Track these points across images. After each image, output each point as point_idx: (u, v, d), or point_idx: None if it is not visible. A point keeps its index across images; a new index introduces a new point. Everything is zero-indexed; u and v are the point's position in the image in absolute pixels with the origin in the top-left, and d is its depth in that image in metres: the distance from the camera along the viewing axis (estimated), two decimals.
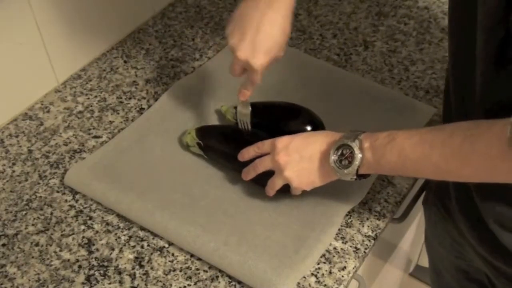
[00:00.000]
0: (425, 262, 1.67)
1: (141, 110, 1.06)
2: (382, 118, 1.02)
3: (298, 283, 0.82)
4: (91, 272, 0.84)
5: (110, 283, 0.83)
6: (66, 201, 0.93)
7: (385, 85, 1.10)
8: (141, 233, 0.88)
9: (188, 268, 0.84)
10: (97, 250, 0.87)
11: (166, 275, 0.84)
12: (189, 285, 0.82)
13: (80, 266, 0.85)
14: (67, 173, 0.94)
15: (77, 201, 0.92)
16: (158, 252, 0.86)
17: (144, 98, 1.08)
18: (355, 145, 0.76)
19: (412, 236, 1.46)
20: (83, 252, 0.86)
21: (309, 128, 0.93)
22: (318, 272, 0.83)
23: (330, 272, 0.83)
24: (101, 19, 1.13)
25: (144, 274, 0.84)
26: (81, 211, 0.91)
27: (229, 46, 0.86)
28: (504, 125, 0.62)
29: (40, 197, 0.93)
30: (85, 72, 1.13)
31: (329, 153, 0.79)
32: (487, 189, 0.75)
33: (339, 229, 0.88)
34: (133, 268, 0.84)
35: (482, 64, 0.70)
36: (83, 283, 0.83)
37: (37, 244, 0.87)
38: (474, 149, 0.66)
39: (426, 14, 1.25)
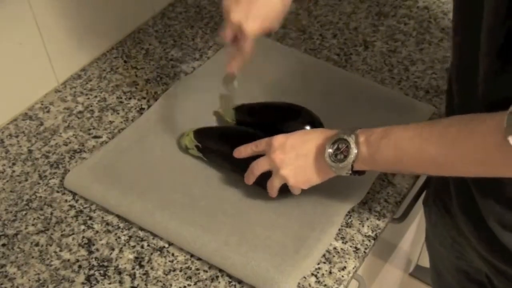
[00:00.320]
0: (425, 262, 1.67)
1: (141, 110, 1.06)
2: (382, 118, 1.02)
3: (298, 283, 0.82)
4: (91, 272, 0.84)
5: (110, 283, 0.83)
6: (66, 201, 0.93)
7: (385, 85, 1.10)
8: (141, 233, 0.88)
9: (188, 268, 0.84)
10: (97, 250, 0.87)
11: (166, 275, 0.84)
12: (189, 285, 0.82)
13: (80, 266, 0.85)
14: (66, 176, 0.94)
15: (77, 201, 0.92)
16: (158, 252, 0.86)
17: (144, 98, 1.08)
18: (351, 139, 0.76)
19: (412, 236, 1.46)
20: (83, 252, 0.86)
21: (308, 127, 0.93)
22: (318, 272, 0.83)
23: (330, 272, 0.83)
24: (101, 19, 1.13)
25: (144, 274, 0.84)
26: (81, 211, 0.91)
27: (223, 7, 0.83)
28: (501, 116, 0.61)
29: (40, 197, 0.93)
30: (85, 72, 1.13)
31: (324, 148, 0.78)
32: (488, 189, 0.75)
33: (339, 229, 0.88)
34: (133, 268, 0.84)
35: (486, 62, 0.70)
36: (83, 283, 0.83)
37: (37, 244, 0.87)
38: (471, 141, 0.66)
39: (426, 14, 1.25)
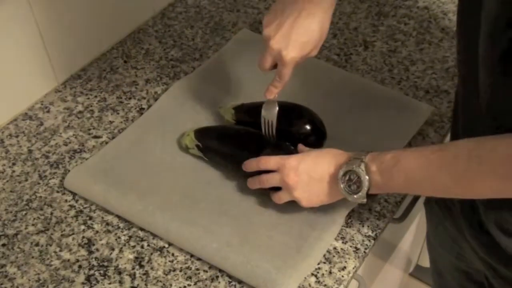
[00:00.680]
0: (425, 262, 1.67)
1: (141, 110, 1.06)
2: (382, 118, 1.02)
3: (299, 283, 0.82)
4: (91, 272, 0.84)
5: (110, 283, 0.83)
6: (66, 201, 0.93)
7: (385, 85, 1.10)
8: (141, 233, 0.88)
9: (188, 268, 0.84)
10: (97, 250, 0.87)
11: (166, 275, 0.84)
12: (189, 285, 0.82)
13: (80, 266, 0.85)
14: (66, 177, 0.94)
15: (77, 201, 0.92)
16: (158, 252, 0.86)
17: (144, 98, 1.08)
18: (361, 171, 0.77)
19: (412, 236, 1.46)
20: (83, 252, 0.86)
21: (308, 127, 0.93)
22: (318, 272, 0.83)
23: (330, 272, 0.83)
24: (101, 19, 1.13)
25: (144, 274, 0.84)
26: (81, 211, 0.91)
27: (263, 35, 0.84)
28: (509, 143, 0.62)
29: (40, 197, 0.93)
30: (85, 72, 1.13)
31: (337, 176, 0.80)
32: None
33: (339, 229, 0.88)
34: (133, 268, 0.84)
35: (486, 73, 0.70)
36: (83, 283, 0.83)
37: (37, 244, 0.87)
38: (480, 170, 0.67)
39: (426, 14, 1.25)
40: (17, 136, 1.02)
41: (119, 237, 0.88)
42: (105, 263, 0.85)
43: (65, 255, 0.86)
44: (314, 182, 0.82)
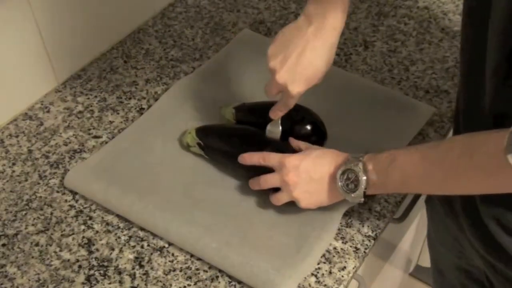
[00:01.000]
0: (425, 262, 1.67)
1: (141, 110, 1.06)
2: (382, 117, 1.02)
3: (298, 283, 0.82)
4: (91, 272, 0.84)
5: (110, 283, 0.83)
6: (66, 201, 0.93)
7: (385, 85, 1.10)
8: (141, 233, 0.88)
9: (188, 268, 0.84)
10: (97, 250, 0.87)
11: (166, 275, 0.84)
12: (189, 285, 0.82)
13: (80, 266, 0.85)
14: (66, 176, 0.94)
15: (77, 201, 0.92)
16: (158, 252, 0.86)
17: (144, 98, 1.08)
18: (358, 169, 0.78)
19: (412, 236, 1.46)
20: (83, 252, 0.86)
21: (309, 127, 0.93)
22: (318, 272, 0.83)
23: (330, 272, 0.83)
24: (101, 19, 1.13)
25: (144, 274, 0.84)
26: (81, 211, 0.91)
27: (268, 67, 0.84)
28: (501, 135, 0.62)
29: (40, 197, 0.93)
30: (85, 72, 1.13)
31: (335, 176, 0.81)
32: None
33: (339, 229, 0.88)
34: (133, 268, 0.84)
35: (491, 74, 0.70)
36: (83, 283, 0.83)
37: (37, 244, 0.87)
38: (473, 163, 0.67)
39: (426, 14, 1.25)
40: (17, 136, 1.02)
41: (119, 237, 0.88)
42: (105, 263, 0.85)
43: (65, 255, 0.86)
44: (314, 182, 0.82)
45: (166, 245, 0.87)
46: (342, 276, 0.83)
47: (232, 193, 0.91)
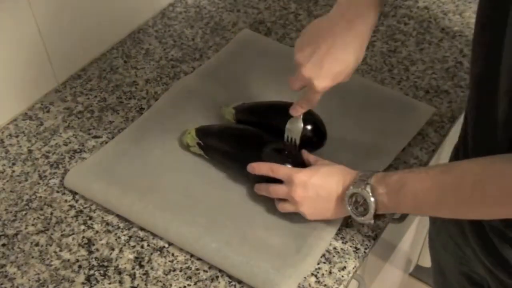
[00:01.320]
0: (425, 262, 1.67)
1: (141, 110, 1.06)
2: (382, 118, 1.02)
3: (298, 283, 0.82)
4: (91, 272, 0.84)
5: (110, 283, 0.83)
6: (66, 201, 0.93)
7: (385, 85, 1.10)
8: (141, 233, 0.88)
9: (188, 268, 0.84)
10: (97, 250, 0.87)
11: (166, 275, 0.84)
12: (189, 285, 0.82)
13: (80, 266, 0.85)
14: (66, 175, 0.94)
15: (77, 201, 0.92)
16: (158, 252, 0.86)
17: (144, 98, 1.08)
18: (366, 193, 0.77)
19: (412, 236, 1.46)
20: (83, 252, 0.86)
21: (309, 127, 0.93)
22: (318, 272, 0.83)
23: (330, 272, 0.83)
24: (101, 19, 1.13)
25: (144, 274, 0.84)
26: (81, 211, 0.91)
27: (295, 60, 0.82)
28: None
29: (40, 197, 0.93)
30: (85, 72, 1.13)
31: (344, 197, 0.79)
32: None
33: (339, 229, 0.88)
34: (133, 268, 0.84)
35: (508, 81, 0.68)
36: (83, 283, 0.83)
37: (37, 244, 0.87)
38: (487, 194, 0.66)
39: (426, 14, 1.25)
40: (17, 136, 1.02)
41: (119, 237, 0.88)
42: (105, 263, 0.85)
43: (65, 255, 0.86)
44: (321, 199, 0.82)
45: (166, 245, 0.87)
46: (342, 276, 0.83)
47: (232, 193, 0.91)
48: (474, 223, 0.82)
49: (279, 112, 0.98)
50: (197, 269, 0.84)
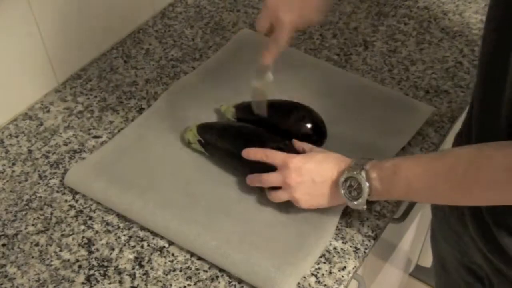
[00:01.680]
0: (425, 262, 1.67)
1: (141, 110, 1.06)
2: (382, 117, 1.02)
3: (298, 283, 0.82)
4: (91, 272, 0.84)
5: (110, 283, 0.83)
6: (66, 201, 0.93)
7: (385, 85, 1.10)
8: (141, 233, 0.88)
9: (188, 268, 0.84)
10: (97, 250, 0.87)
11: (166, 275, 0.84)
12: (189, 285, 0.82)
13: (80, 266, 0.85)
14: (67, 174, 0.94)
15: (77, 201, 0.92)
16: (158, 252, 0.86)
17: (144, 98, 1.08)
18: (361, 178, 0.78)
19: (412, 236, 1.46)
20: (83, 252, 0.86)
21: (309, 125, 0.93)
22: (318, 272, 0.83)
23: (330, 272, 0.83)
24: (101, 19, 1.13)
25: (144, 274, 0.84)
26: (81, 211, 0.91)
27: None
28: (507, 153, 0.61)
29: (40, 197, 0.93)
30: (85, 72, 1.13)
31: (338, 182, 0.80)
32: None
33: (339, 229, 0.88)
34: (133, 268, 0.84)
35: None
36: (83, 283, 0.83)
37: (37, 244, 0.87)
38: (479, 178, 0.67)
39: (426, 14, 1.25)
40: (17, 136, 1.02)
41: (119, 237, 0.88)
42: (105, 263, 0.85)
43: (65, 255, 0.86)
44: (315, 185, 0.82)
45: (166, 245, 0.87)
46: (342, 276, 0.83)
47: (232, 191, 0.91)
48: (473, 210, 0.83)
49: (279, 110, 0.98)
50: (197, 269, 0.84)
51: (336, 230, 0.88)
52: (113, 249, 0.87)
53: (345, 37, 1.20)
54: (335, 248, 0.86)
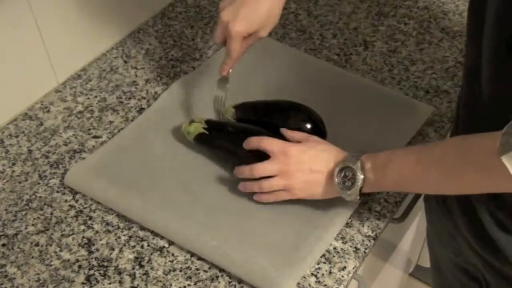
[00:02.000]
0: (425, 262, 1.67)
1: (141, 110, 1.06)
2: (382, 118, 1.02)
3: (298, 283, 0.82)
4: (91, 272, 0.84)
5: (110, 283, 0.83)
6: (66, 201, 0.93)
7: (385, 85, 1.10)
8: (141, 233, 0.88)
9: (188, 268, 0.84)
10: (97, 250, 0.87)
11: (166, 275, 0.84)
12: (189, 285, 0.83)
13: (80, 266, 0.85)
14: (67, 173, 0.94)
15: (77, 201, 0.92)
16: (158, 252, 0.86)
17: (144, 98, 1.08)
18: (356, 167, 0.80)
19: (412, 236, 1.46)
20: (83, 252, 0.86)
21: (309, 126, 0.93)
22: (318, 272, 0.83)
23: (330, 272, 0.83)
24: (101, 19, 1.13)
25: (144, 274, 0.84)
26: (81, 211, 0.91)
27: (219, 8, 0.89)
28: (494, 136, 0.63)
29: (40, 197, 0.93)
30: (85, 72, 1.13)
31: (333, 173, 0.82)
32: None
33: (339, 230, 0.88)
34: (133, 268, 0.84)
35: (489, 66, 0.71)
36: (83, 283, 0.83)
37: (37, 244, 0.87)
38: (467, 164, 0.68)
39: (426, 14, 1.25)
40: (17, 136, 1.02)
41: (119, 237, 0.88)
42: (105, 263, 0.85)
43: (65, 255, 0.86)
44: (312, 174, 0.83)
45: (166, 245, 0.87)
46: (342, 276, 0.83)
47: (232, 190, 0.91)
48: (463, 207, 0.84)
49: (279, 110, 0.98)
50: (197, 269, 0.84)
51: None
52: (113, 249, 0.87)
53: (345, 37, 1.20)
54: (335, 248, 0.86)
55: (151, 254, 0.86)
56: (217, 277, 0.83)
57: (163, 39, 1.20)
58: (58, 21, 1.05)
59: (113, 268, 0.85)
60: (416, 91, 1.09)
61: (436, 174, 0.73)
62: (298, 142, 0.88)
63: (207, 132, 0.94)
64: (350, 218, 0.89)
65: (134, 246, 0.87)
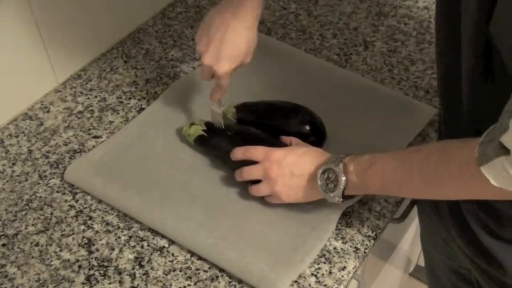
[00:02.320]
0: None
1: (141, 110, 1.06)
2: (382, 118, 1.02)
3: (298, 283, 0.82)
4: (91, 272, 0.84)
5: (110, 283, 0.83)
6: (66, 201, 0.93)
7: (385, 85, 1.10)
8: (141, 233, 0.88)
9: (188, 268, 0.84)
10: (97, 250, 0.87)
11: (166, 275, 0.84)
12: (189, 285, 0.83)
13: (80, 266, 0.85)
14: (67, 170, 0.94)
15: (77, 201, 0.93)
16: (158, 252, 0.86)
17: (144, 98, 1.08)
18: (339, 170, 0.79)
19: (412, 236, 1.46)
20: (83, 252, 0.86)
21: (308, 127, 0.93)
22: (318, 272, 0.83)
23: (330, 272, 0.83)
24: (101, 19, 1.13)
25: (144, 274, 0.84)
26: (81, 211, 0.91)
27: (197, 51, 0.89)
28: (473, 146, 0.62)
29: (40, 197, 0.93)
30: (85, 72, 1.13)
31: (316, 175, 0.81)
32: None
33: (339, 229, 0.88)
34: (133, 268, 0.84)
35: (468, 79, 0.71)
36: (83, 283, 0.83)
37: (37, 244, 0.87)
38: (448, 170, 0.68)
39: (426, 14, 1.25)
40: (17, 136, 1.02)
41: (119, 237, 0.88)
42: (105, 263, 0.85)
43: (65, 255, 0.86)
44: (294, 177, 0.83)
45: (166, 245, 0.87)
46: (342, 276, 0.83)
47: (231, 190, 0.91)
48: (454, 214, 0.84)
49: (280, 111, 0.98)
50: (197, 269, 0.84)
51: (336, 230, 0.88)
52: (113, 249, 0.87)
53: (345, 37, 1.20)
54: (335, 248, 0.86)
55: (151, 254, 0.86)
56: (217, 277, 0.83)
57: (163, 39, 1.20)
58: (58, 21, 1.05)
59: (113, 268, 0.85)
60: (416, 91, 1.09)
61: (418, 179, 0.72)
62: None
63: (206, 135, 0.94)
64: (350, 218, 0.89)
65: (134, 246, 0.87)
